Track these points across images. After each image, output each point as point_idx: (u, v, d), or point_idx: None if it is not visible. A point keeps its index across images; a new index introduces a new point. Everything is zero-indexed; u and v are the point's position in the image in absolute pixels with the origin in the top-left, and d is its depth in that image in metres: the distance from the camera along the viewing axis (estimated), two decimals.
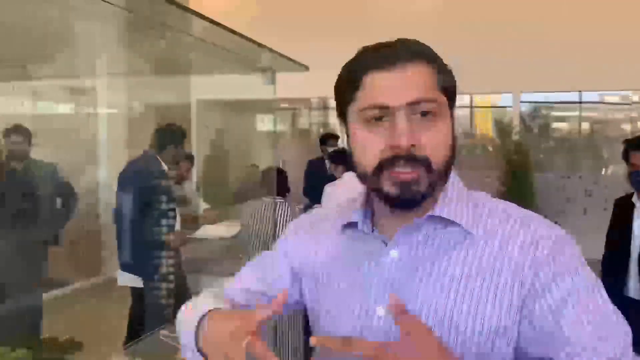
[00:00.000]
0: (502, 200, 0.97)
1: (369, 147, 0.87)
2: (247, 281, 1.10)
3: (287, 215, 3.45)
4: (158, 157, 3.31)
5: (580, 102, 6.70)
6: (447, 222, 0.90)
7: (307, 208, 4.58)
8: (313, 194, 5.16)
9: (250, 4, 6.27)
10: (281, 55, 2.79)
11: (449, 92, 0.90)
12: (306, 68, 3.14)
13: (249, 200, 3.62)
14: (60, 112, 5.70)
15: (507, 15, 5.54)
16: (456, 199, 0.92)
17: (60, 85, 5.21)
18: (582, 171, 6.29)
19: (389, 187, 0.86)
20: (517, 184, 5.51)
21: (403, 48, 0.87)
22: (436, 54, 0.91)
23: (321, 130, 7.58)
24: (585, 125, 7.18)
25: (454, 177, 0.94)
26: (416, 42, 0.90)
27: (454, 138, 0.90)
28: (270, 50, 2.63)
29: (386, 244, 0.94)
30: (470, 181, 0.99)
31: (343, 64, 0.92)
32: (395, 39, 0.90)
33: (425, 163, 0.85)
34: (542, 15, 5.50)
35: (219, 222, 4.09)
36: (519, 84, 5.91)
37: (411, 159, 0.84)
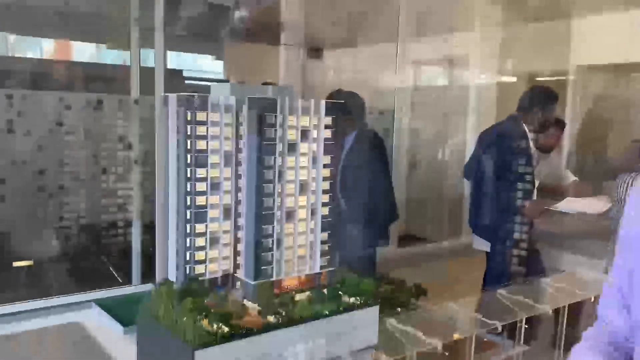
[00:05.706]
0: None
1: None
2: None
3: None
4: (521, 120, 3.22)
5: None
6: None
7: None
8: None
9: None
10: None
11: None
12: None
13: (621, 174, 3.17)
14: (438, 84, 6.09)
15: None
16: None
17: (438, 57, 5.56)
18: None
19: None
20: None
21: None
22: None
23: None
24: None
25: None
26: None
27: None
28: None
29: None
30: None
31: None
32: None
33: None
34: None
35: (587, 197, 3.70)
36: None
37: None
